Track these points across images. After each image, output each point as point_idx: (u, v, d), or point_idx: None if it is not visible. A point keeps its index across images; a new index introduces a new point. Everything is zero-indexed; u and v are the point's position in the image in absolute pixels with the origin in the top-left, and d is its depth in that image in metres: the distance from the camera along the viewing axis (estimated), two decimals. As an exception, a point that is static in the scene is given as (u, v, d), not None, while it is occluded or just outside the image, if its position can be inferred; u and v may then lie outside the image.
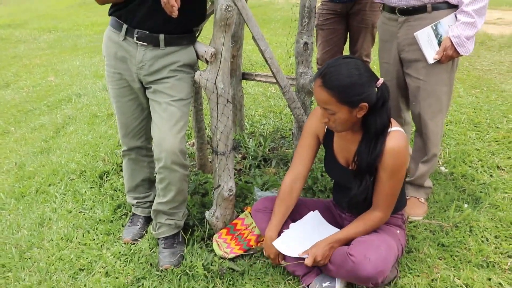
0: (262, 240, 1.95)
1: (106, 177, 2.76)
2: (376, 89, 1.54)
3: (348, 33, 3.15)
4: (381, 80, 1.56)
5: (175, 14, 1.67)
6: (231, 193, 2.04)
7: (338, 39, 3.11)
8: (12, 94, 5.14)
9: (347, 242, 1.68)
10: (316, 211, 1.91)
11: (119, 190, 2.58)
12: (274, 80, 2.66)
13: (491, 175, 2.59)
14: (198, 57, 1.95)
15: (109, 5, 1.88)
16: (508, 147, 2.93)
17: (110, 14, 1.90)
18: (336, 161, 1.80)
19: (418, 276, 1.83)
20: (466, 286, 1.75)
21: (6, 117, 4.35)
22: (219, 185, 2.04)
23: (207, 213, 2.11)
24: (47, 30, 10.07)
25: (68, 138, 3.56)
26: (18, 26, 11.11)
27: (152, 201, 2.25)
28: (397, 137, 1.60)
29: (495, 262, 1.86)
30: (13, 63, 6.81)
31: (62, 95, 4.80)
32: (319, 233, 1.77)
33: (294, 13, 2.51)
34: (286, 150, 3.02)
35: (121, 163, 2.82)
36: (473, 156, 2.81)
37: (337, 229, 1.81)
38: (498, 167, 2.69)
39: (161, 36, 1.83)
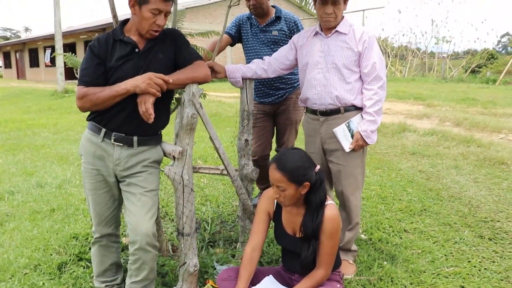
0: (227, 307, 2.26)
1: (64, 267, 2.89)
2: (315, 172, 2.06)
3: (275, 128, 3.74)
4: (318, 166, 2.09)
5: (151, 120, 2.09)
6: (196, 268, 2.35)
7: (267, 135, 3.68)
8: None
9: (300, 297, 2.07)
10: (271, 276, 2.28)
11: (81, 278, 2.72)
12: (216, 172, 3.13)
13: (400, 237, 3.19)
14: (165, 154, 2.35)
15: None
16: (410, 215, 3.60)
17: (89, 120, 2.26)
18: (285, 232, 2.23)
19: (357, 322, 2.25)
20: (394, 325, 2.21)
21: None
22: (185, 262, 2.36)
23: (174, 289, 2.38)
24: (-46, 127, 9.72)
25: (10, 235, 3.59)
26: None
27: (119, 284, 2.48)
28: (331, 208, 2.10)
29: (413, 303, 2.36)
30: None
31: (-8, 193, 4.77)
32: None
33: (234, 112, 3.02)
34: (229, 232, 3.39)
35: (79, 253, 3.01)
36: (385, 224, 3.41)
37: (288, 289, 2.20)
38: (405, 230, 3.30)
39: (135, 138, 2.21)
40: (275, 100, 3.57)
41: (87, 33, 23.50)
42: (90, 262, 2.85)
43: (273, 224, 2.33)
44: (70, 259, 2.96)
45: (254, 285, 2.22)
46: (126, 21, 2.23)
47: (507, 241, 3.13)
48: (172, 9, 2.21)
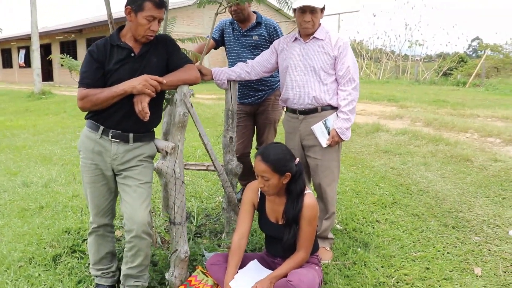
0: (216, 289, 2.48)
1: (59, 259, 3.04)
2: (295, 164, 2.30)
3: (255, 127, 3.97)
4: (298, 159, 2.33)
5: (146, 118, 2.28)
6: (186, 255, 2.56)
7: (248, 133, 3.91)
8: None
9: (282, 277, 2.30)
10: (255, 260, 2.51)
11: (76, 268, 2.88)
12: (202, 168, 3.34)
13: (373, 227, 3.46)
14: (158, 150, 2.54)
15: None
16: (382, 207, 3.88)
17: (87, 118, 2.44)
18: (268, 220, 2.46)
19: (334, 300, 2.51)
20: (367, 301, 2.47)
21: None
22: (176, 250, 2.56)
23: (167, 274, 2.58)
24: None
25: (1, 232, 3.71)
26: None
27: (114, 271, 2.66)
28: (310, 196, 2.34)
29: (383, 282, 2.63)
30: None
31: (-23, 192, 4.84)
32: (260, 275, 2.36)
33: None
34: (214, 225, 3.60)
35: (72, 245, 3.17)
36: (358, 216, 3.68)
37: (271, 271, 2.42)
38: (377, 221, 3.58)
39: (131, 135, 2.39)
40: (255, 101, 3.80)
41: (63, 34, 23.28)
42: (84, 254, 3.03)
43: (257, 214, 2.55)
44: (64, 251, 3.11)
45: (241, 268, 2.44)
46: (121, 27, 2.42)
47: (468, 228, 3.44)
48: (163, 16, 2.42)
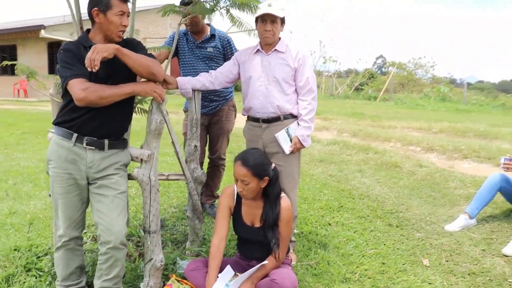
0: (193, 296, 2.50)
1: (12, 280, 2.85)
2: (272, 169, 2.42)
3: (208, 137, 4.04)
4: (273, 164, 2.45)
5: (94, 69, 2.11)
6: (162, 263, 2.55)
7: (202, 143, 3.95)
8: None
9: (262, 278, 2.39)
10: (228, 266, 2.55)
11: (36, 287, 2.72)
12: (162, 178, 3.33)
13: (326, 230, 3.67)
14: (132, 158, 2.52)
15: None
16: (330, 211, 4.12)
17: (56, 124, 2.33)
18: (244, 223, 2.55)
19: (307, 297, 2.65)
20: (338, 296, 2.65)
21: None
22: (151, 259, 2.54)
23: (142, 284, 2.55)
24: None
25: None
26: None
27: (83, 287, 2.57)
28: (285, 199, 2.48)
29: (349, 278, 2.83)
30: None
31: None
32: (240, 278, 2.44)
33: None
34: (173, 235, 3.59)
35: (27, 264, 2.99)
36: (311, 220, 3.89)
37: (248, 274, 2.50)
38: (329, 224, 3.81)
39: (106, 141, 2.34)
40: (209, 111, 3.87)
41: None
42: (42, 271, 2.87)
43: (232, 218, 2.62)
44: (17, 271, 2.90)
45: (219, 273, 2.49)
46: (88, 30, 2.38)
47: (409, 226, 3.79)
48: (129, 21, 2.43)
